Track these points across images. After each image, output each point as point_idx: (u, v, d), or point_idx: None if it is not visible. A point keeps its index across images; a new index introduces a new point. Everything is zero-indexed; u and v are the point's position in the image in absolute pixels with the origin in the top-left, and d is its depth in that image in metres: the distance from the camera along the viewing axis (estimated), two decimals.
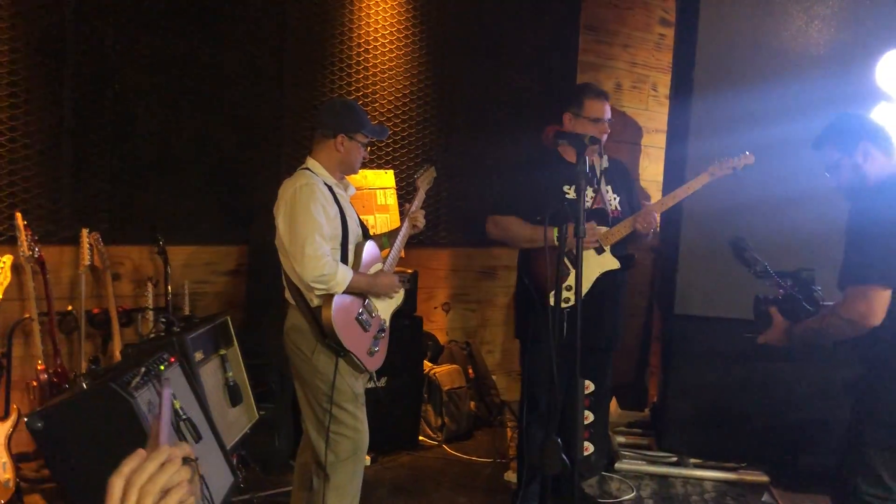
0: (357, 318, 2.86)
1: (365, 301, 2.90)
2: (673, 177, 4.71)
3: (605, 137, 3.44)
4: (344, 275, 2.75)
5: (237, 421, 2.95)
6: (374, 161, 4.63)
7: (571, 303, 3.32)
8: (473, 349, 5.16)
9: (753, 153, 3.43)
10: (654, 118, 5.67)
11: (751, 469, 4.23)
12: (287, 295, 2.92)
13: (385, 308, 3.05)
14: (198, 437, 2.18)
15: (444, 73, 5.02)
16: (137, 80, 4.03)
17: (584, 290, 3.35)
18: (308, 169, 2.87)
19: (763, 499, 3.99)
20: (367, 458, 3.81)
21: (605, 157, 3.47)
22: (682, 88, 4.57)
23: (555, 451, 2.02)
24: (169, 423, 1.23)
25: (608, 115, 3.46)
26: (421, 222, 3.13)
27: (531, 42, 5.33)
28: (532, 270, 3.40)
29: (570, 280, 3.34)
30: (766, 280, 2.65)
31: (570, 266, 3.32)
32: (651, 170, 5.63)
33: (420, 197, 3.15)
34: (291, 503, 3.10)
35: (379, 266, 3.00)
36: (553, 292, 3.10)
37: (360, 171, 3.18)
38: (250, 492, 3.65)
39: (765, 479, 4.14)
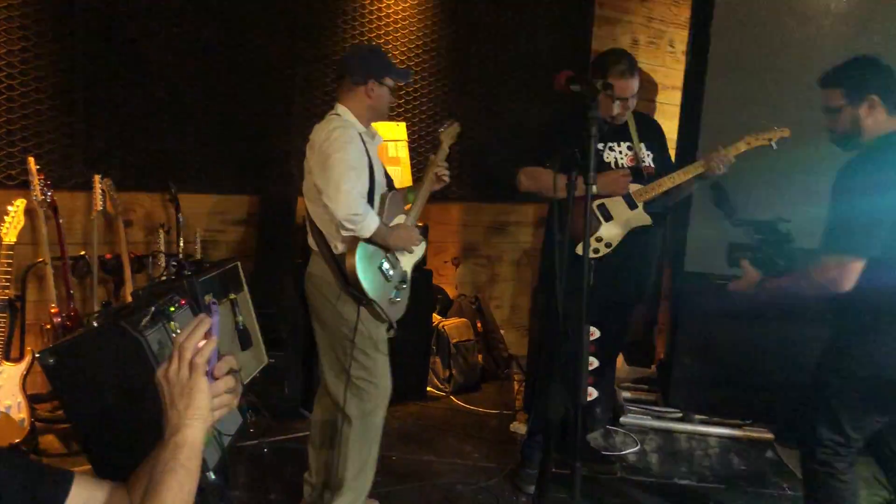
0: (380, 268, 2.87)
1: (388, 251, 2.90)
2: (689, 136, 4.68)
3: (626, 110, 3.37)
4: (373, 219, 2.74)
5: (247, 365, 2.99)
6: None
7: (600, 254, 3.36)
8: (482, 303, 5.18)
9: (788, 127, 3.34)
10: (670, 75, 5.59)
11: (755, 426, 4.26)
12: (310, 241, 2.91)
13: (407, 259, 3.05)
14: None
15: (458, 25, 4.96)
16: (150, 27, 4.00)
17: (615, 242, 3.38)
18: (338, 115, 2.85)
19: (767, 455, 4.02)
20: None
21: (637, 115, 3.47)
22: (699, 44, 4.50)
23: (559, 396, 2.04)
24: (215, 349, 1.34)
25: (634, 91, 3.35)
26: (446, 176, 3.09)
27: None
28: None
29: (601, 232, 3.36)
30: (742, 228, 2.66)
31: (601, 219, 3.36)
32: (666, 127, 5.57)
33: (444, 151, 3.12)
34: (309, 461, 3.12)
35: (402, 218, 2.99)
36: (581, 243, 3.17)
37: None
38: (259, 437, 3.72)
39: (769, 436, 4.17)
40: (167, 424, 1.29)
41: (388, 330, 2.99)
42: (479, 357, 4.90)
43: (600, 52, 3.97)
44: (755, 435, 4.20)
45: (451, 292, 5.18)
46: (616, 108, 3.34)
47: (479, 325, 5.05)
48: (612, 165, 3.43)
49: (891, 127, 2.58)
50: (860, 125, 2.61)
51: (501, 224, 5.41)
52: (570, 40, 5.26)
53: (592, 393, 2.52)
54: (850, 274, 2.47)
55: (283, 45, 4.39)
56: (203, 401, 1.29)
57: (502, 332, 5.26)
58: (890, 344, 2.50)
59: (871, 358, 2.53)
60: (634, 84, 3.37)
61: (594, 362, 2.46)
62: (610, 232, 3.39)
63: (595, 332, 2.42)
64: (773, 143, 3.26)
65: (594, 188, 3.25)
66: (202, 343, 1.31)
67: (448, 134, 3.10)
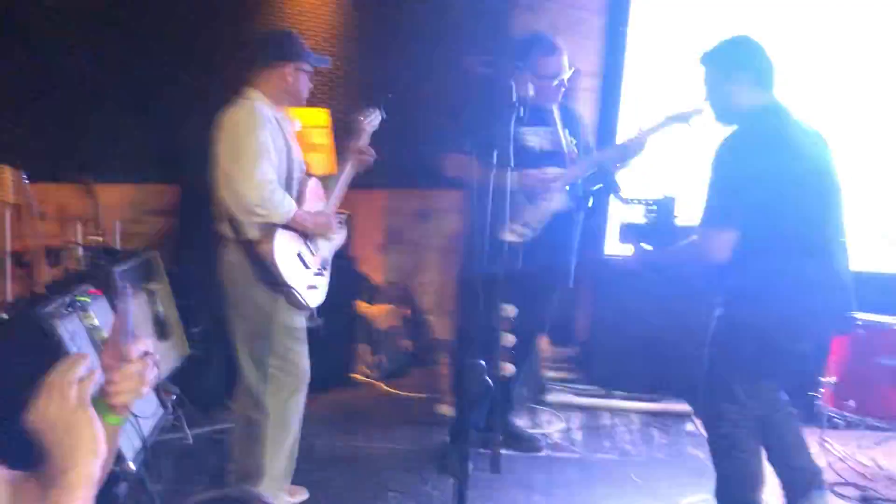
0: (298, 255, 2.85)
1: (306, 238, 2.89)
2: (607, 120, 4.80)
3: (559, 92, 3.46)
4: (289, 205, 2.70)
5: (167, 355, 2.94)
6: (308, 99, 4.56)
7: (524, 237, 3.42)
8: (410, 290, 5.21)
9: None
10: (589, 61, 5.69)
11: (675, 400, 4.41)
12: (223, 228, 2.87)
13: (326, 246, 3.04)
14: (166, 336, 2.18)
15: (379, 10, 4.95)
16: (59, 14, 3.88)
17: (538, 226, 3.45)
18: (249, 99, 2.81)
19: (685, 427, 4.17)
20: None
21: (559, 103, 3.54)
22: (615, 31, 4.62)
23: (477, 374, 2.09)
24: (128, 331, 1.29)
25: (559, 69, 3.41)
26: (370, 154, 3.08)
27: None
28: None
29: (525, 215, 3.42)
30: (629, 205, 2.78)
31: (525, 203, 3.41)
32: (587, 113, 5.68)
33: (364, 139, 3.11)
34: (231, 451, 3.09)
35: (321, 205, 2.98)
36: (504, 227, 3.21)
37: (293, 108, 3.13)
38: (184, 429, 3.66)
39: (688, 409, 4.33)
40: (52, 464, 1.17)
41: (310, 318, 2.99)
42: (407, 343, 4.93)
43: (522, 35, 4.05)
44: (674, 408, 4.36)
45: (378, 279, 5.19)
46: (552, 88, 3.41)
47: (406, 311, 5.08)
48: (536, 149, 3.49)
49: (761, 101, 2.73)
50: (735, 101, 2.75)
51: (427, 210, 5.44)
52: (492, 26, 5.30)
53: (510, 369, 2.59)
54: (724, 245, 2.61)
55: (201, 31, 4.31)
56: (92, 434, 1.17)
57: (430, 317, 5.30)
58: (770, 311, 2.63)
59: (755, 326, 2.66)
60: (559, 62, 3.43)
61: (511, 339, 2.52)
62: (533, 216, 3.45)
63: (511, 310, 2.47)
64: (690, 121, 3.36)
65: (517, 183, 3.35)
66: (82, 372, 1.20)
67: (369, 122, 3.10)
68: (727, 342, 2.76)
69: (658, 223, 2.86)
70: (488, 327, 2.24)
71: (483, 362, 2.03)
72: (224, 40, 4.39)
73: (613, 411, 4.39)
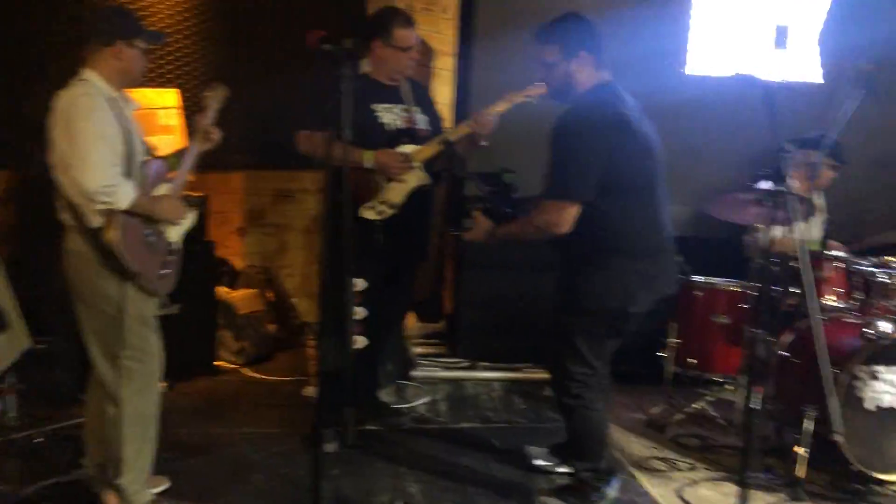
0: (145, 239, 2.75)
1: (153, 222, 2.79)
2: (463, 99, 4.89)
3: (414, 63, 3.58)
4: (129, 190, 2.60)
5: (4, 348, 2.79)
6: (155, 80, 4.39)
7: (385, 215, 3.47)
8: (272, 273, 5.15)
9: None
10: (445, 41, 5.76)
11: (534, 368, 4.59)
12: (64, 216, 2.73)
13: (174, 230, 2.94)
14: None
15: None
16: None
17: (398, 203, 3.50)
18: (85, 80, 2.68)
19: (544, 393, 4.35)
20: (163, 386, 3.74)
21: (410, 80, 3.62)
22: (467, 9, 4.72)
23: (331, 349, 2.11)
24: None
25: (416, 41, 3.56)
26: (215, 134, 3.01)
27: None
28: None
29: (385, 194, 3.47)
30: (470, 181, 2.89)
31: (382, 180, 3.45)
32: (444, 92, 5.76)
33: (210, 115, 3.03)
34: (87, 446, 2.97)
35: (165, 187, 2.88)
36: (364, 206, 3.39)
37: (140, 89, 3.01)
38: (32, 427, 3.48)
39: (546, 376, 4.50)
40: None
41: (162, 305, 2.91)
42: (272, 327, 4.87)
43: (377, 10, 4.08)
44: (534, 376, 4.54)
45: (239, 263, 5.10)
46: (405, 58, 3.50)
47: (269, 294, 5.01)
48: (388, 126, 3.53)
49: (597, 79, 2.88)
50: (573, 79, 2.89)
51: (288, 191, 5.37)
52: (346, 3, 5.26)
53: (361, 341, 2.65)
54: (568, 217, 2.75)
55: (38, 5, 4.06)
56: None
57: (295, 300, 5.26)
58: (609, 276, 2.83)
59: (596, 291, 2.84)
60: (415, 34, 3.54)
61: (361, 312, 2.57)
62: (392, 193, 3.49)
63: (361, 284, 2.52)
64: (533, 99, 3.50)
65: (370, 162, 3.39)
66: None
67: (214, 97, 3.02)
68: (571, 308, 2.91)
69: (499, 196, 2.97)
70: (341, 302, 2.26)
71: (336, 337, 2.05)
72: (59, 17, 4.15)
73: (478, 382, 4.53)
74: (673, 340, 3.97)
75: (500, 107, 3.45)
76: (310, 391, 4.14)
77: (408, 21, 3.55)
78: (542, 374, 4.51)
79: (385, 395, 4.13)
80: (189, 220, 2.95)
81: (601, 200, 2.75)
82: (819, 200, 4.32)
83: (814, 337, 2.25)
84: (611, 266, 2.82)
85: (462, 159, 2.97)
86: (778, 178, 2.35)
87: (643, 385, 4.32)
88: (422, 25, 5.71)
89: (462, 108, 4.82)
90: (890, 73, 4.19)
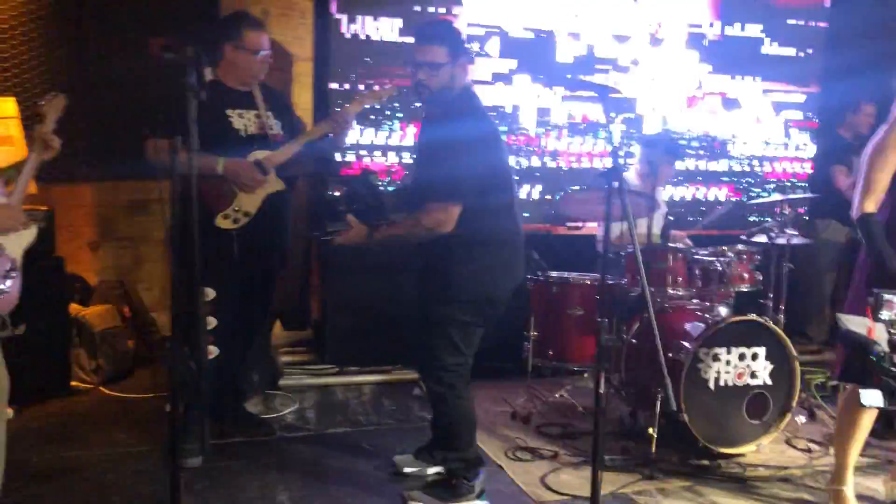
0: None
1: None
2: (321, 104, 4.89)
3: (266, 67, 3.55)
4: None
5: None
6: None
7: (240, 223, 3.43)
8: (128, 287, 4.95)
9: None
10: (304, 46, 5.74)
11: (402, 369, 4.65)
12: None
13: (13, 244, 2.79)
14: None
15: None
16: None
17: (253, 211, 3.46)
18: None
19: (413, 392, 4.42)
20: (10, 411, 3.53)
21: (262, 85, 3.59)
22: (323, 15, 4.74)
23: (182, 358, 2.08)
24: None
25: (267, 45, 3.54)
26: (55, 141, 2.86)
27: None
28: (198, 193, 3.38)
29: (238, 201, 3.42)
30: (337, 184, 2.94)
31: (236, 189, 3.42)
32: (304, 98, 5.72)
33: (48, 125, 2.89)
34: None
35: (2, 200, 2.73)
36: (218, 215, 3.35)
37: None
38: None
39: (415, 376, 4.58)
40: None
41: (2, 327, 2.76)
42: (130, 343, 4.69)
43: (228, 14, 4.03)
44: (403, 377, 4.60)
45: (92, 279, 4.88)
46: (256, 63, 3.48)
47: (126, 310, 4.82)
48: (242, 132, 3.49)
49: (467, 81, 3.04)
50: (455, 81, 3.00)
51: (142, 202, 5.18)
52: (197, 9, 5.14)
53: (213, 351, 2.61)
54: (453, 217, 2.88)
55: None
56: None
57: (154, 314, 5.08)
58: (479, 267, 2.98)
59: (469, 280, 2.98)
60: (266, 38, 3.54)
61: (213, 322, 2.55)
62: (247, 201, 3.46)
63: (211, 293, 2.48)
64: (384, 100, 3.61)
65: (222, 169, 3.34)
66: None
67: (52, 106, 2.89)
68: (447, 297, 3.00)
69: (366, 198, 3.00)
70: (192, 312, 2.23)
71: (187, 348, 2.02)
72: None
73: (347, 387, 4.54)
74: (532, 334, 4.12)
75: (354, 108, 3.53)
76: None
77: (258, 24, 3.54)
78: (410, 375, 4.58)
79: (252, 406, 4.07)
80: (30, 234, 2.80)
81: (475, 199, 2.91)
82: (661, 195, 4.62)
83: (651, 324, 2.42)
84: (480, 257, 2.98)
85: (329, 161, 2.98)
86: (618, 175, 2.50)
87: (508, 379, 4.48)
88: (279, 31, 5.68)
89: (321, 112, 4.82)
90: None
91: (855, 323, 2.32)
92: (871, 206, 2.89)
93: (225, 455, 3.52)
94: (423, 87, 2.98)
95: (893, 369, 2.19)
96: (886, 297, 2.29)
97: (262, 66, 3.54)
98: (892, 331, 2.26)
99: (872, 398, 2.18)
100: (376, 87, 3.86)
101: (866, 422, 3.02)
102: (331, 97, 4.65)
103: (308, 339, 5.13)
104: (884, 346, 2.24)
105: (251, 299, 3.68)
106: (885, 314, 2.27)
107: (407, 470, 3.38)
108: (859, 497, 3.16)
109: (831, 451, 3.62)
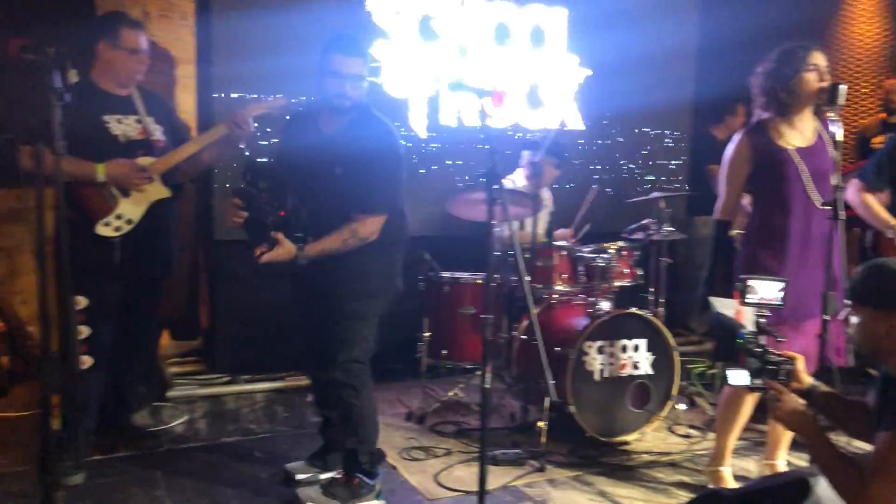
0: None
1: None
2: (204, 109, 4.80)
3: (144, 68, 3.46)
4: None
5: None
6: None
7: (123, 231, 3.33)
8: (2, 300, 4.70)
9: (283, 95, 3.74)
10: (185, 48, 5.60)
11: (296, 375, 4.60)
12: None
13: None
14: None
15: None
16: None
17: (136, 218, 3.36)
18: None
19: (307, 398, 4.38)
20: None
21: (142, 90, 3.50)
22: (203, 15, 4.65)
23: (54, 369, 2.01)
24: None
25: (145, 45, 3.45)
26: None
27: None
28: (77, 201, 3.25)
29: (120, 209, 3.33)
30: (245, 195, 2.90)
31: (118, 195, 3.32)
32: (187, 101, 5.59)
33: None
34: None
35: None
36: (99, 223, 3.26)
37: None
38: None
39: (308, 382, 4.54)
40: None
41: None
42: (4, 359, 4.46)
43: (102, 14, 3.91)
44: (296, 383, 4.55)
45: None
46: (134, 61, 3.39)
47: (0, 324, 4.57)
48: (121, 138, 3.39)
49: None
50: (365, 91, 3.05)
51: (16, 210, 4.92)
52: (72, 10, 4.94)
53: (87, 361, 2.53)
54: (379, 226, 3.03)
55: None
56: None
57: (31, 328, 4.83)
58: (389, 263, 3.17)
59: (382, 276, 3.12)
60: (144, 39, 3.45)
61: (86, 331, 2.46)
62: (129, 208, 3.36)
63: (83, 301, 2.41)
64: (274, 111, 3.56)
65: (102, 175, 3.24)
66: None
67: None
68: (362, 292, 3.07)
69: (292, 221, 2.96)
70: (64, 321, 2.15)
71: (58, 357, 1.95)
72: None
73: (239, 395, 4.45)
74: (426, 335, 4.16)
75: (254, 111, 3.46)
76: (54, 423, 3.84)
77: (136, 23, 3.46)
78: (304, 381, 4.54)
79: (139, 419, 3.94)
80: None
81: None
82: (546, 196, 4.75)
83: (531, 320, 2.50)
84: (391, 255, 3.16)
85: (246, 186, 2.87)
86: (499, 177, 2.57)
87: (403, 380, 4.52)
88: (160, 32, 5.53)
89: (205, 116, 4.72)
90: None
91: (724, 305, 2.49)
92: (724, 215, 3.19)
93: (110, 470, 3.40)
94: (345, 99, 2.98)
95: (758, 350, 2.34)
96: (751, 283, 2.47)
97: (141, 66, 3.44)
98: (758, 313, 2.43)
99: (738, 378, 2.32)
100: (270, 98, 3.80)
101: (747, 407, 3.21)
102: (215, 102, 4.55)
103: (198, 348, 5.01)
104: (750, 328, 2.41)
105: (136, 309, 3.58)
106: (751, 297, 2.45)
107: (299, 476, 3.35)
108: (734, 477, 3.35)
109: (710, 435, 3.83)
